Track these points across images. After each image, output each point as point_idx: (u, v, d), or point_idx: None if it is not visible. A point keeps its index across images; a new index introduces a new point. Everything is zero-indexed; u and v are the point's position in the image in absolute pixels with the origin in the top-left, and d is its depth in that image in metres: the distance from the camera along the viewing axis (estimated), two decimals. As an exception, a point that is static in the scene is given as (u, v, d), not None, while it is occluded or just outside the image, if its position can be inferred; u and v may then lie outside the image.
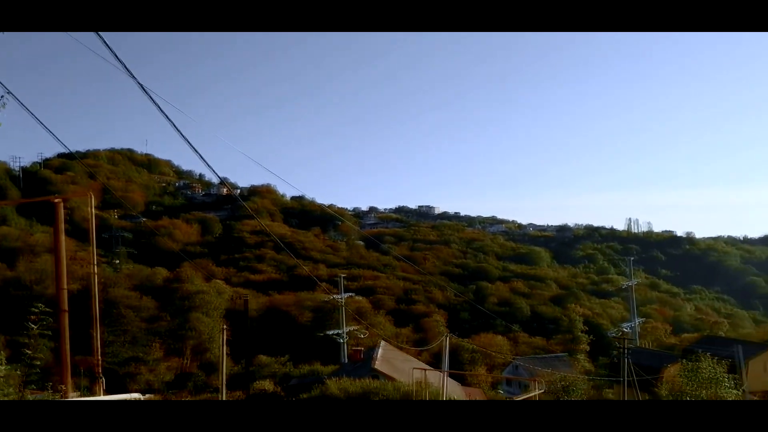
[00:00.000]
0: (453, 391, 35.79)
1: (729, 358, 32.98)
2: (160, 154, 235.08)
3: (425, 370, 33.89)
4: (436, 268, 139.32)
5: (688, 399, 17.22)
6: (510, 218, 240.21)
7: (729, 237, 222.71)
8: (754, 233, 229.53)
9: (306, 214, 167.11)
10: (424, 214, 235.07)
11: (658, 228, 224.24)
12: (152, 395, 41.60)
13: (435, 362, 53.25)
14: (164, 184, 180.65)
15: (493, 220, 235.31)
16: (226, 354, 36.07)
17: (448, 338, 44.67)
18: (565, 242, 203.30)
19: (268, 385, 44.92)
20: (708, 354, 18.70)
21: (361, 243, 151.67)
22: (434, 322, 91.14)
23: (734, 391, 17.35)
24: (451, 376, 41.59)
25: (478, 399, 37.67)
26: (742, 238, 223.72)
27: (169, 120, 11.41)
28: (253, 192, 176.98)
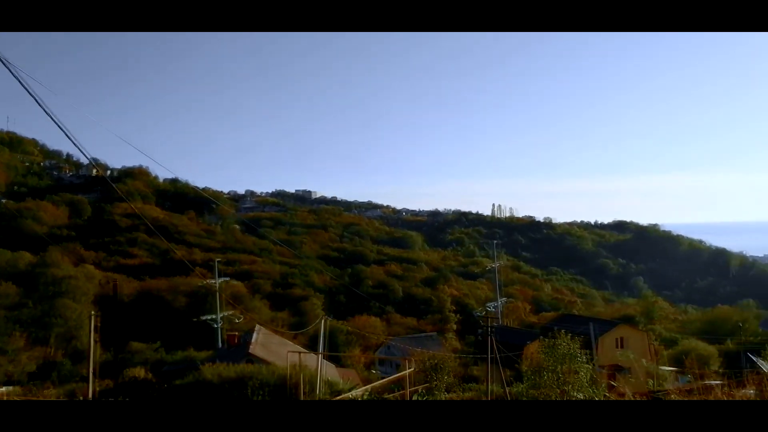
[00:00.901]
0: (328, 372, 35.98)
1: (583, 334, 35.16)
2: (25, 132, 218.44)
3: (301, 353, 33.82)
4: (314, 252, 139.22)
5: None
6: (385, 203, 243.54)
7: (583, 222, 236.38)
8: (606, 219, 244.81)
9: (180, 197, 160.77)
10: (302, 198, 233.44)
11: (520, 213, 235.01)
12: (12, 387, 39.07)
13: (312, 345, 53.18)
14: (28, 164, 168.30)
15: (370, 205, 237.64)
16: (96, 341, 34.37)
17: (324, 321, 44.77)
18: (437, 226, 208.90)
19: (139, 372, 43.22)
20: (564, 331, 19.86)
21: (238, 227, 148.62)
22: (312, 305, 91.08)
23: (586, 365, 18.54)
24: (327, 358, 41.73)
25: (352, 380, 38.07)
26: (594, 223, 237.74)
27: (31, 93, 10.61)
28: (126, 173, 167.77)
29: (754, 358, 36.33)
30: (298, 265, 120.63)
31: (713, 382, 17.26)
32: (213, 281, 59.51)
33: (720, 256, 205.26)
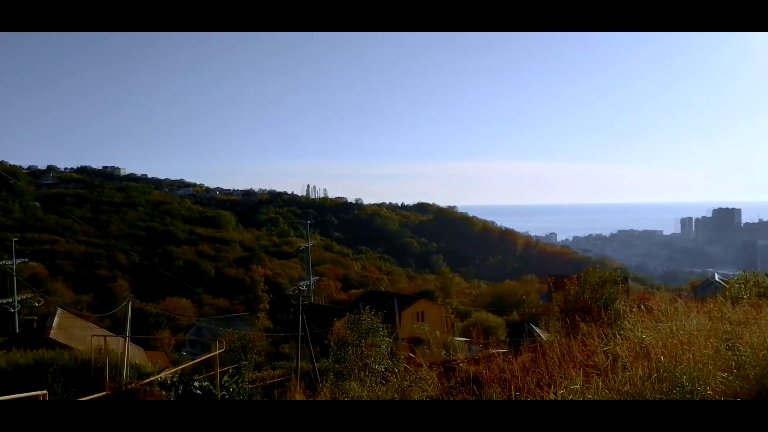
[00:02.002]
0: (135, 355, 34.41)
1: (387, 309, 36.69)
2: None
3: (105, 336, 31.98)
4: (122, 232, 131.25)
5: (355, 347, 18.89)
6: (198, 182, 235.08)
7: (390, 203, 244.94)
8: (409, 200, 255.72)
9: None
10: (109, 175, 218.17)
11: (333, 194, 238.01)
12: None
13: (118, 328, 50.48)
14: None
15: (181, 183, 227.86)
16: None
17: (130, 303, 42.58)
18: (251, 206, 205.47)
19: None
20: (367, 307, 20.66)
21: (38, 204, 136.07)
22: (118, 287, 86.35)
23: (387, 339, 19.49)
24: (133, 341, 39.81)
25: (161, 362, 36.71)
26: (400, 205, 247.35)
27: None
28: None
29: (533, 327, 40.12)
30: (104, 245, 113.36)
31: (498, 350, 18.89)
32: (9, 262, 54.29)
33: (508, 235, 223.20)
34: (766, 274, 21.08)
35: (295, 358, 34.13)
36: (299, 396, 16.15)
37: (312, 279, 75.12)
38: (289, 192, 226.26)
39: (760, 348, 8.10)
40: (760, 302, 12.73)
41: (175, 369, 29.40)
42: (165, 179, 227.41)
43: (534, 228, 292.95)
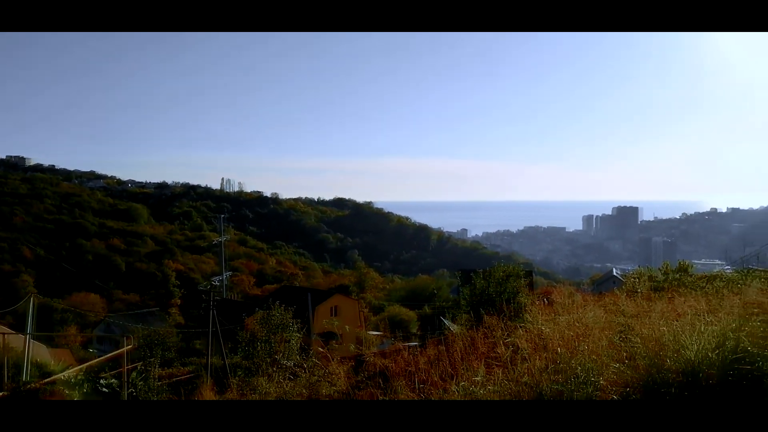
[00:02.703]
0: (38, 353, 32.65)
1: (301, 304, 36.37)
2: None
3: (5, 334, 30.16)
4: (27, 225, 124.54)
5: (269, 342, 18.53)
6: (110, 173, 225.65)
7: (307, 198, 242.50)
8: (327, 196, 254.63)
9: None
10: (13, 165, 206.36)
11: (248, 188, 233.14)
12: None
13: (21, 325, 47.87)
14: None
15: (92, 175, 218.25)
16: None
17: (33, 299, 40.37)
18: (164, 199, 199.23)
19: None
20: (277, 302, 20.35)
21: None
22: (22, 282, 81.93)
23: (297, 334, 19.24)
24: (37, 338, 37.83)
25: (65, 360, 34.99)
26: (317, 200, 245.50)
27: None
28: None
29: (443, 321, 40.68)
30: (7, 238, 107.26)
31: (408, 344, 18.93)
32: None
33: (422, 231, 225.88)
34: (658, 269, 22.10)
35: (206, 355, 33.30)
36: (208, 393, 15.68)
37: (226, 274, 73.57)
38: (204, 185, 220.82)
39: (650, 339, 8.36)
40: (653, 295, 13.25)
41: (79, 367, 28.09)
42: (74, 171, 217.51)
43: (447, 224, 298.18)
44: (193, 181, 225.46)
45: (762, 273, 18.06)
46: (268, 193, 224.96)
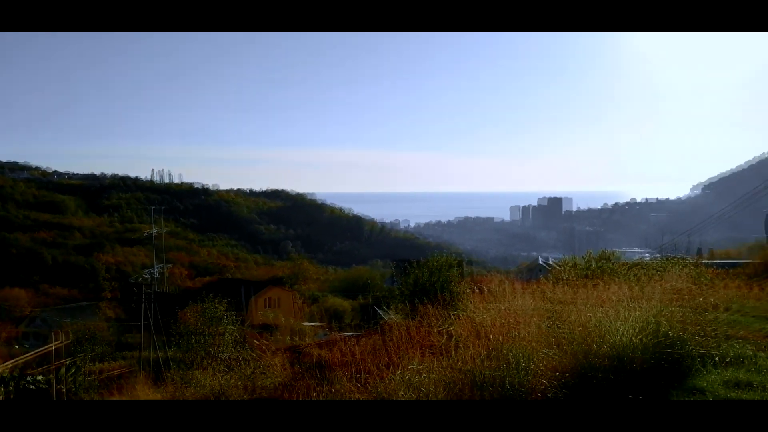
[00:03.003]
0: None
1: (237, 296, 35.96)
2: None
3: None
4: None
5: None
6: (36, 164, 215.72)
7: (242, 189, 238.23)
8: (261, 186, 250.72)
9: None
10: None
11: (182, 179, 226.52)
12: None
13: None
14: None
15: (16, 166, 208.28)
16: None
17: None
18: (94, 191, 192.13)
19: None
20: (212, 295, 20.01)
21: None
22: (-61, 277, 77.76)
23: (231, 327, 18.97)
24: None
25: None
26: (249, 191, 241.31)
27: None
28: None
29: (379, 311, 40.90)
30: None
31: (345, 334, 18.99)
32: None
33: (357, 222, 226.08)
34: (583, 257, 22.84)
35: (140, 348, 32.48)
36: (143, 387, 15.33)
37: (159, 266, 71.67)
38: (135, 177, 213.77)
39: (578, 325, 8.63)
40: (579, 283, 13.65)
41: (5, 363, 27.03)
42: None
43: (382, 215, 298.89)
44: (125, 173, 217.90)
45: (680, 260, 18.90)
46: (202, 185, 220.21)
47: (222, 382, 11.79)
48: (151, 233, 75.80)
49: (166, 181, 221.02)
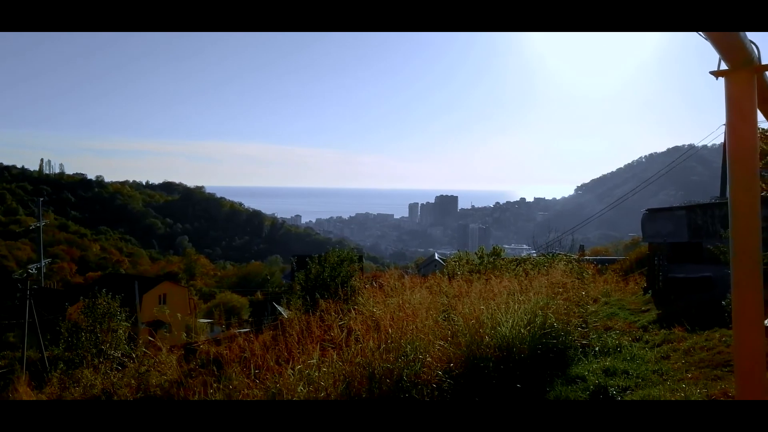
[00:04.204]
0: None
1: (127, 292, 34.32)
2: None
3: None
4: None
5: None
6: None
7: (134, 182, 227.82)
8: (155, 179, 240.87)
9: None
10: None
11: (70, 170, 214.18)
12: None
13: None
14: None
15: None
16: None
17: None
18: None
19: None
20: (104, 290, 19.07)
21: None
22: None
23: (125, 323, 18.18)
24: None
25: None
26: (145, 183, 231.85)
27: None
28: None
29: (276, 306, 40.43)
30: None
31: (241, 330, 18.63)
32: None
33: (255, 217, 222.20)
34: (475, 253, 23.54)
35: (21, 347, 30.54)
36: (24, 388, 14.39)
37: (44, 261, 67.65)
38: (20, 166, 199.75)
39: (470, 318, 8.91)
40: (471, 278, 14.08)
41: None
42: None
43: (280, 210, 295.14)
44: (7, 161, 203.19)
45: (564, 257, 19.90)
46: (91, 176, 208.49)
47: (114, 381, 11.31)
48: (36, 226, 71.52)
49: (57, 171, 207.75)
